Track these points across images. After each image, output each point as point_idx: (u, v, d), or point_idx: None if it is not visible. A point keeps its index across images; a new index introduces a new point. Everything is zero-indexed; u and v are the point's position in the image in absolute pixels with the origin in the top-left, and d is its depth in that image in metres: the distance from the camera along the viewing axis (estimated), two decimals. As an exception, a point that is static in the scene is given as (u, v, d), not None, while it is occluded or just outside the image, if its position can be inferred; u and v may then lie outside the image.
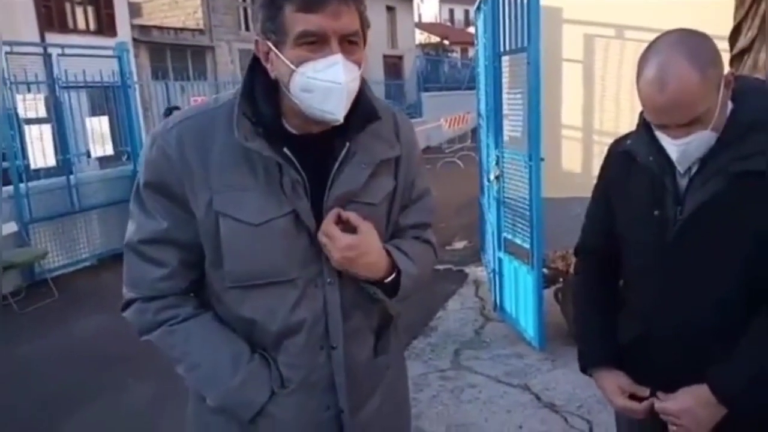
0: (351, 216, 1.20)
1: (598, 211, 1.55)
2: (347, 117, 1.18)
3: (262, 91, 1.18)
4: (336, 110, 1.13)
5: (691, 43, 1.21)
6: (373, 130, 1.24)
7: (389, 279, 1.26)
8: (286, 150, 1.17)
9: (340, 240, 1.17)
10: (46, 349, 4.59)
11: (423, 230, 1.40)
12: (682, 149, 1.27)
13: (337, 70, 1.10)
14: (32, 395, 3.81)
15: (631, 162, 1.41)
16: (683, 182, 1.33)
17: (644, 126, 1.35)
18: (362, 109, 1.21)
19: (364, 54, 1.17)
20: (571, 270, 3.88)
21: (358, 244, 1.19)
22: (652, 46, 1.25)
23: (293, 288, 1.21)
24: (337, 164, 1.20)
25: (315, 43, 1.10)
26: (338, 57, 1.10)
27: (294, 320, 1.21)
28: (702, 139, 1.25)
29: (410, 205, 1.36)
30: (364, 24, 1.17)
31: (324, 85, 1.10)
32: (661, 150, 1.32)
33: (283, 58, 1.11)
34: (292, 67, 1.11)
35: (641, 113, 1.35)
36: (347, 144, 1.20)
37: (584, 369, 1.56)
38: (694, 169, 1.31)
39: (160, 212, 1.20)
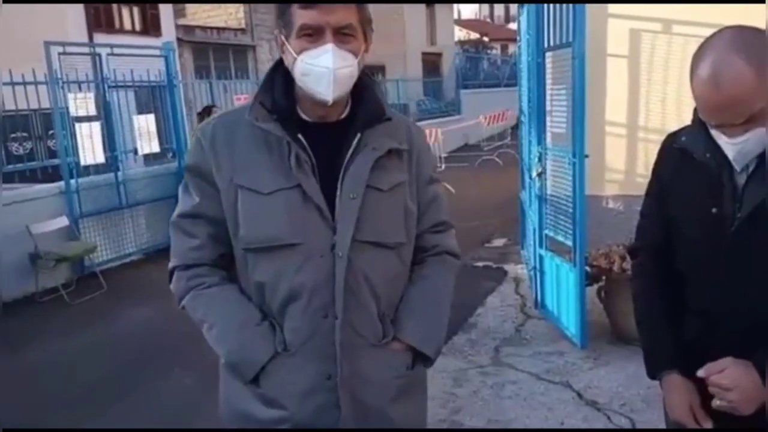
0: None
1: (653, 208, 1.52)
2: (357, 111, 1.41)
3: (280, 83, 1.39)
4: (326, 91, 1.31)
5: (746, 40, 1.19)
6: (383, 129, 1.41)
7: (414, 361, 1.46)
8: (299, 135, 1.35)
9: None
10: (95, 339, 4.75)
11: (443, 232, 1.56)
12: (738, 148, 1.26)
13: (327, 57, 1.29)
14: (81, 383, 3.95)
15: (686, 158, 1.39)
16: (741, 179, 1.31)
17: (699, 122, 1.33)
18: (371, 106, 1.41)
19: (363, 45, 1.35)
20: (615, 268, 3.85)
21: None
22: (705, 44, 1.23)
23: (296, 254, 1.34)
24: (350, 151, 1.37)
25: (312, 35, 1.29)
26: (329, 46, 1.28)
27: (296, 284, 1.34)
28: (759, 137, 1.23)
29: (424, 211, 1.51)
30: (365, 19, 1.35)
31: (317, 70, 1.29)
32: (717, 146, 1.31)
33: (289, 48, 1.32)
34: (295, 55, 1.31)
35: (696, 109, 1.33)
36: (359, 135, 1.38)
37: (652, 375, 1.51)
38: (752, 166, 1.29)
39: (195, 190, 1.42)
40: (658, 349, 1.50)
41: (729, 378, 1.28)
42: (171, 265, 1.46)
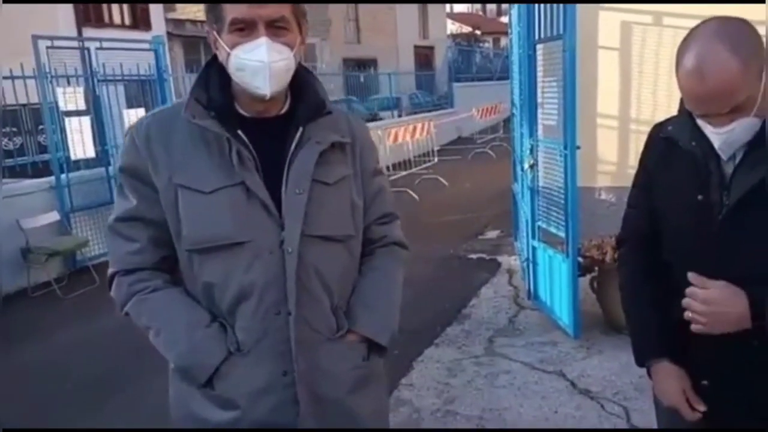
0: None
1: (640, 198, 1.53)
2: (298, 106, 1.39)
3: (216, 79, 1.36)
4: (263, 85, 1.29)
5: (730, 30, 1.20)
6: (325, 123, 1.40)
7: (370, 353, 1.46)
8: (239, 131, 1.33)
9: None
10: (88, 334, 4.72)
11: (389, 223, 1.56)
12: (724, 137, 1.27)
13: (261, 51, 1.26)
14: (75, 378, 3.94)
15: (672, 147, 1.40)
16: (728, 168, 1.32)
17: (686, 111, 1.34)
18: (312, 100, 1.39)
19: (299, 37, 1.33)
20: (607, 259, 3.87)
21: None
22: (690, 35, 1.24)
23: (244, 252, 1.32)
24: (293, 145, 1.35)
25: (244, 29, 1.27)
26: (262, 40, 1.26)
27: (246, 282, 1.32)
28: (745, 127, 1.25)
29: (370, 203, 1.50)
30: (298, 11, 1.33)
31: (252, 64, 1.27)
32: (704, 135, 1.32)
33: (222, 43, 1.30)
34: (228, 50, 1.29)
35: (682, 99, 1.34)
36: (301, 129, 1.36)
37: (641, 363, 1.53)
38: (740, 155, 1.30)
39: (132, 192, 1.37)
40: (646, 338, 1.52)
41: (710, 294, 1.28)
42: (110, 270, 1.42)
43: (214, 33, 1.31)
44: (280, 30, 1.28)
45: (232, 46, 1.28)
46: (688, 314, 1.31)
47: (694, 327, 1.31)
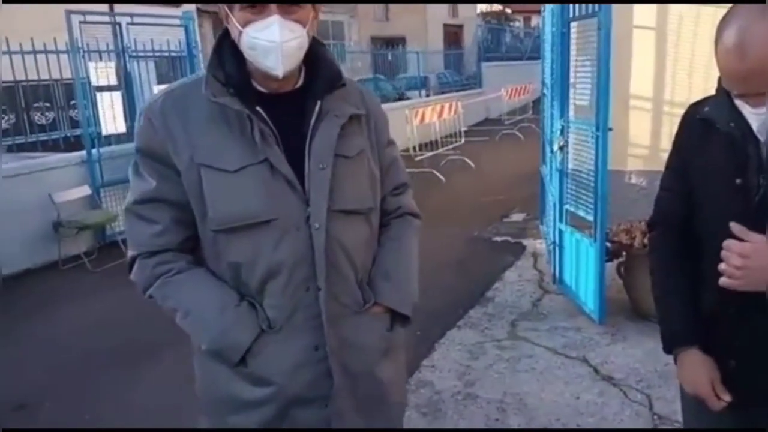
0: None
1: (674, 180, 1.49)
2: (314, 79, 1.37)
3: (230, 56, 1.33)
4: (276, 65, 1.26)
5: None
6: (340, 94, 1.39)
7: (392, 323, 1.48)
8: (258, 108, 1.31)
9: None
10: (118, 304, 4.78)
11: (402, 193, 1.58)
12: (763, 118, 1.22)
13: (273, 30, 1.23)
14: (108, 345, 4.03)
15: (709, 129, 1.36)
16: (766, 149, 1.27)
17: (724, 91, 1.30)
18: (326, 72, 1.38)
19: (312, 12, 1.30)
20: (636, 244, 3.81)
21: None
22: (731, 11, 1.20)
23: (271, 230, 1.31)
24: (313, 119, 1.34)
25: (256, 6, 1.24)
26: (273, 18, 1.23)
27: (275, 261, 1.32)
28: None
29: (384, 174, 1.51)
30: None
31: (263, 44, 1.24)
32: (742, 116, 1.28)
33: (233, 20, 1.27)
34: (240, 28, 1.26)
35: (720, 78, 1.30)
36: (319, 102, 1.35)
37: (669, 349, 1.50)
38: None
39: (150, 173, 1.35)
40: (676, 324, 1.48)
41: (747, 248, 1.21)
42: (132, 253, 1.40)
43: (226, 9, 1.29)
44: (292, 6, 1.25)
45: (244, 24, 1.25)
46: (722, 266, 1.24)
47: (723, 281, 1.24)
